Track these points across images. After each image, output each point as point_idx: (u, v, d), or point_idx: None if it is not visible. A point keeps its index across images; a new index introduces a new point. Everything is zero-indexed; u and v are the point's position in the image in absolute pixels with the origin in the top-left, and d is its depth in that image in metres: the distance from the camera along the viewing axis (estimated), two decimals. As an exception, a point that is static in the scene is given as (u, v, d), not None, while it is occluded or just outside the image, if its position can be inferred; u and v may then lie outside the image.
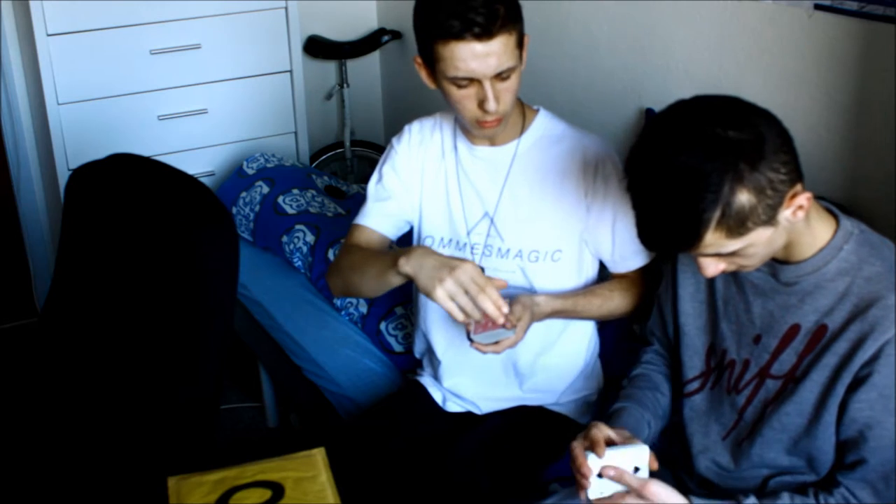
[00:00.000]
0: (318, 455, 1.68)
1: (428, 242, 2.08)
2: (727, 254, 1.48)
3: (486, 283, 1.75)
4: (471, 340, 1.85)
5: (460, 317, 1.76)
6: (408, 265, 1.82)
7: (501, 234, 2.03)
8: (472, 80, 1.84)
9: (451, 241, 2.07)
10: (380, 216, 2.09)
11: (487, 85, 1.83)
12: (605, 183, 1.98)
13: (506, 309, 1.75)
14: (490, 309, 1.74)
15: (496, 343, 1.85)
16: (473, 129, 1.95)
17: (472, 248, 2.05)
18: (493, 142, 2.02)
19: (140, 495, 1.92)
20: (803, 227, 1.53)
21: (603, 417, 1.75)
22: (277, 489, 1.59)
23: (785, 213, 1.46)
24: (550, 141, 2.02)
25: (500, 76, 1.84)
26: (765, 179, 1.42)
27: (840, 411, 1.54)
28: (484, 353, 1.86)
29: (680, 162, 1.41)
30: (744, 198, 1.41)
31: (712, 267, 1.52)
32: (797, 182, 1.46)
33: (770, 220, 1.45)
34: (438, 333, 2.12)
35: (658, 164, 1.44)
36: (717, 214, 1.41)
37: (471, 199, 2.05)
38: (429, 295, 1.78)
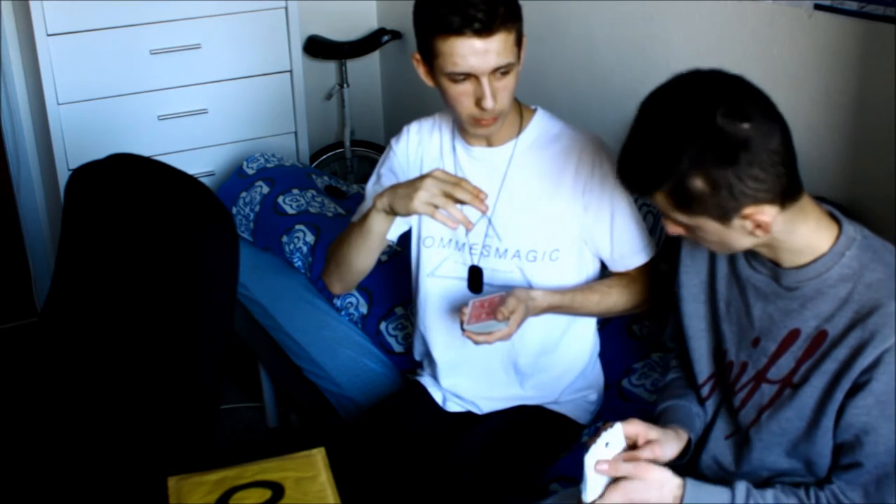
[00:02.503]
0: (318, 455, 1.68)
1: (428, 243, 2.08)
2: (684, 225, 1.51)
3: (457, 179, 1.82)
4: (463, 329, 1.87)
5: (450, 222, 1.82)
6: (383, 198, 1.90)
7: (499, 235, 2.02)
8: (470, 77, 1.84)
9: (450, 241, 2.07)
10: None
11: (485, 81, 1.83)
12: (601, 182, 1.98)
13: (484, 196, 1.81)
14: (467, 196, 1.79)
15: (488, 333, 1.86)
16: (470, 128, 1.94)
17: (470, 248, 2.05)
18: (490, 142, 2.01)
19: (140, 495, 1.92)
20: (808, 230, 1.52)
21: (614, 418, 1.74)
22: (277, 489, 1.59)
23: (742, 223, 1.47)
24: (547, 140, 2.02)
25: (498, 73, 1.84)
26: (725, 181, 1.42)
27: (837, 416, 1.54)
28: (476, 342, 1.87)
29: (669, 116, 1.45)
30: (698, 184, 1.43)
31: (670, 227, 1.56)
32: (763, 203, 1.44)
33: (721, 218, 1.46)
34: (437, 334, 2.12)
35: (654, 107, 1.47)
36: (668, 184, 1.45)
37: None
38: (409, 211, 1.84)
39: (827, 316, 1.54)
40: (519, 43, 1.87)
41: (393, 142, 2.13)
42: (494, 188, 2.02)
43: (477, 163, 2.03)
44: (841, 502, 1.52)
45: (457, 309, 2.04)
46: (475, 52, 1.80)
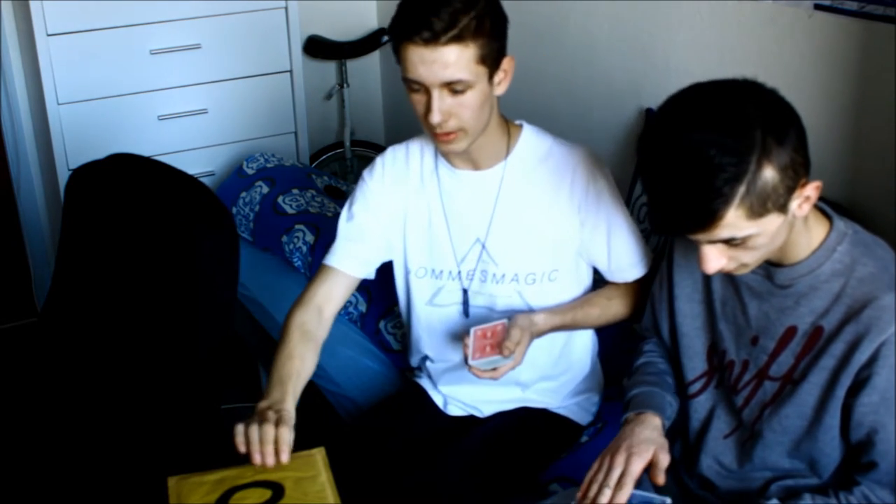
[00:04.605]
0: (318, 455, 1.67)
1: (420, 274, 2.04)
2: (736, 243, 1.45)
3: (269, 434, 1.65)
4: (468, 364, 1.84)
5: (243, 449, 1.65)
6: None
7: (495, 260, 1.98)
8: (423, 86, 1.78)
9: (441, 272, 2.02)
10: (350, 258, 2.01)
11: (435, 94, 1.77)
12: (597, 197, 1.94)
13: (284, 457, 1.64)
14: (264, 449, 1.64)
15: (494, 370, 1.84)
16: (433, 140, 1.89)
17: (467, 276, 2.01)
18: (477, 166, 1.95)
19: (140, 495, 1.92)
20: (801, 226, 1.52)
21: (614, 417, 1.74)
22: (277, 489, 1.59)
23: (794, 203, 1.44)
24: (538, 158, 1.96)
25: (452, 89, 1.77)
26: (788, 158, 1.40)
27: (846, 414, 1.54)
28: (481, 378, 1.85)
29: (705, 138, 1.38)
30: (769, 174, 1.39)
31: (714, 261, 1.48)
32: (808, 172, 1.44)
33: (783, 206, 1.43)
34: (440, 354, 2.10)
35: (679, 141, 1.40)
36: (741, 190, 1.38)
37: (459, 227, 1.99)
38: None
39: (822, 312, 1.54)
40: (489, 63, 1.78)
41: (366, 174, 2.04)
42: (486, 213, 1.97)
43: (465, 189, 1.97)
44: (872, 503, 1.52)
45: (457, 336, 2.00)
46: (423, 62, 1.74)
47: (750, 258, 1.50)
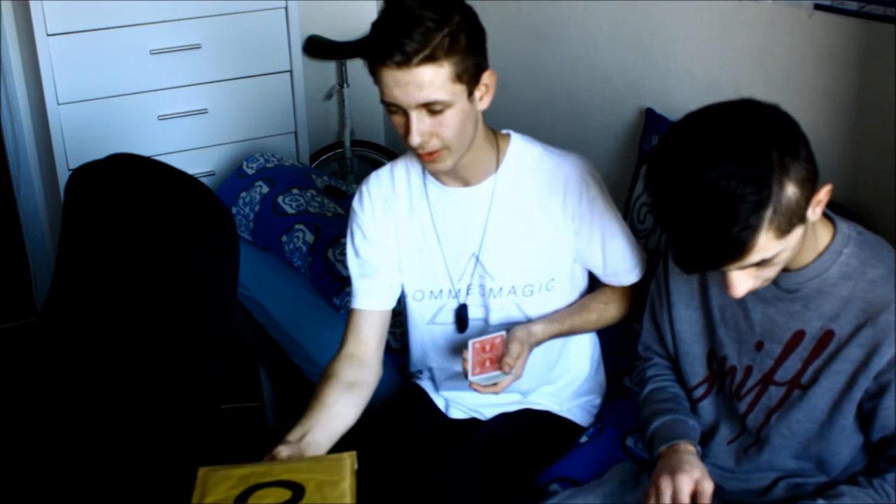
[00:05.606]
0: (348, 459, 1.65)
1: (418, 297, 2.03)
2: (765, 262, 1.43)
3: None
4: (468, 379, 1.84)
5: None
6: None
7: (491, 274, 1.97)
8: (400, 108, 1.75)
9: (441, 291, 2.01)
10: (370, 294, 2.00)
11: (413, 116, 1.74)
12: (591, 205, 1.92)
13: None
14: None
15: (495, 384, 1.83)
16: (418, 160, 1.87)
17: (466, 291, 2.00)
18: (466, 182, 1.93)
19: (141, 494, 1.92)
20: (808, 230, 1.51)
21: (615, 415, 1.72)
22: (298, 490, 1.57)
23: (809, 210, 1.43)
24: (529, 169, 1.93)
25: (430, 110, 1.74)
26: (804, 170, 1.39)
27: (864, 415, 1.55)
28: (482, 393, 1.85)
29: (722, 172, 1.35)
30: (791, 191, 1.38)
31: (743, 284, 1.46)
32: (818, 177, 1.44)
33: (803, 217, 1.42)
34: (435, 359, 2.09)
35: (696, 180, 1.37)
36: (768, 214, 1.37)
37: (453, 244, 1.97)
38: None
39: (831, 315, 1.54)
40: (466, 79, 1.74)
41: (356, 204, 2.01)
42: (479, 228, 1.95)
43: (456, 206, 1.95)
44: None
45: (458, 349, 1.99)
46: (397, 84, 1.72)
47: (773, 272, 1.49)
